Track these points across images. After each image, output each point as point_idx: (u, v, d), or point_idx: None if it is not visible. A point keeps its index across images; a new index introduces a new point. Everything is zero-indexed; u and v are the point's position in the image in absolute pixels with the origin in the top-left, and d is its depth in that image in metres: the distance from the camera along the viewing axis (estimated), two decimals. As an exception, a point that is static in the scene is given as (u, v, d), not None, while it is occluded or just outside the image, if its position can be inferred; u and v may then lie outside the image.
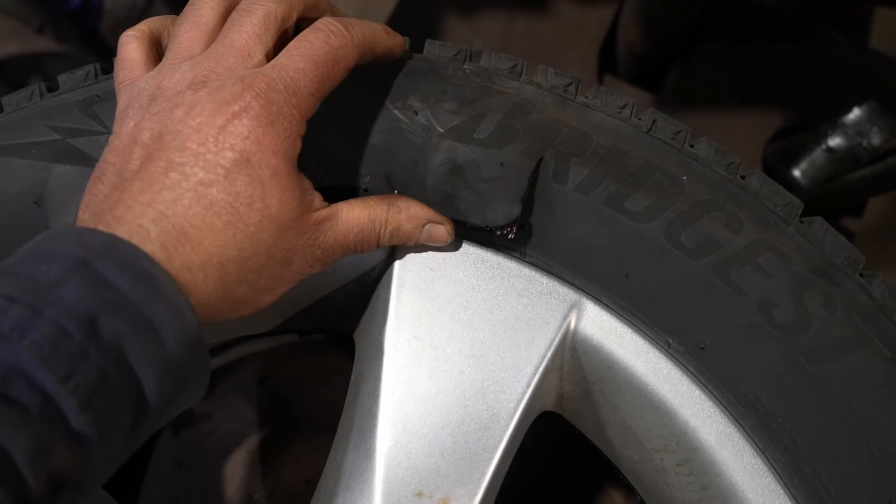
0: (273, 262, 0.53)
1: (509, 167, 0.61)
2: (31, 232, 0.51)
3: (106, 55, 1.52)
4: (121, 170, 0.52)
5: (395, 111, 0.62)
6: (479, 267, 0.62)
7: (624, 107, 0.63)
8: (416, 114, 0.61)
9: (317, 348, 0.93)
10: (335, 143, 0.62)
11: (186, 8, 0.58)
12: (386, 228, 0.58)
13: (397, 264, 0.62)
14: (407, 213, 0.59)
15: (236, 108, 0.51)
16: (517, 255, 0.62)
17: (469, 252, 0.62)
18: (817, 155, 1.01)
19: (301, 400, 0.91)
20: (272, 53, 0.55)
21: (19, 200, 0.61)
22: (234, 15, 0.56)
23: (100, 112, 0.63)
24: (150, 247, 0.48)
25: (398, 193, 0.61)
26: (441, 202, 0.61)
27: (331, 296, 0.66)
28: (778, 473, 0.58)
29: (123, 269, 0.45)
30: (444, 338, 0.60)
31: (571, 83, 0.64)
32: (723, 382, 0.59)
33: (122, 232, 0.48)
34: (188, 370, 0.48)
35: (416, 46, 0.65)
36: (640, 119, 0.63)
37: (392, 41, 0.60)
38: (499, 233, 0.61)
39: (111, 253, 0.46)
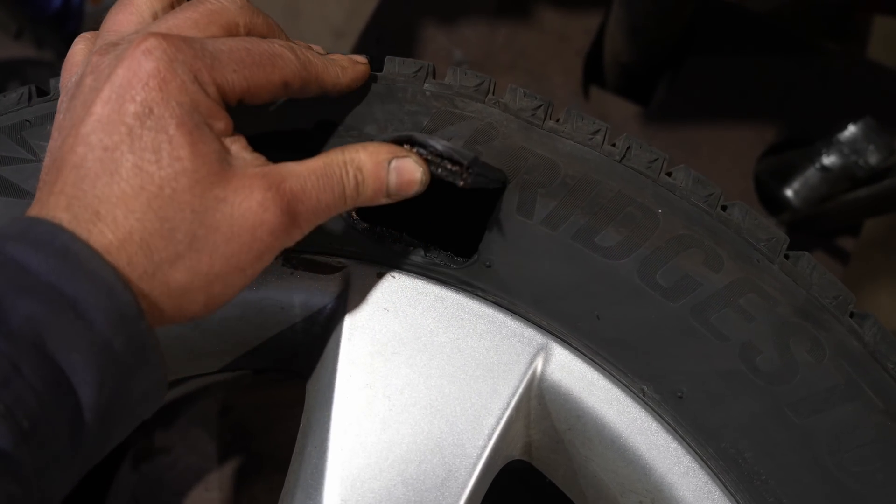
0: (212, 232, 0.45)
1: (470, 197, 0.56)
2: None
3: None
4: (47, 167, 0.47)
5: (350, 140, 0.57)
6: (438, 307, 0.57)
7: (595, 133, 0.58)
8: (370, 142, 0.56)
9: (280, 379, 0.89)
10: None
11: None
12: (347, 171, 0.50)
13: (350, 303, 0.57)
14: (366, 150, 0.51)
15: (138, 52, 0.45)
16: (480, 294, 0.57)
17: (427, 291, 0.57)
18: (811, 174, 0.96)
19: (263, 434, 0.87)
20: None
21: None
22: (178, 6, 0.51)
23: (29, 138, 0.59)
24: None
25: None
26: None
27: (280, 336, 0.61)
28: (761, 534, 0.53)
29: (38, 249, 0.40)
30: (398, 386, 0.56)
31: (540, 106, 0.59)
32: (702, 434, 0.55)
33: None
34: (130, 355, 0.41)
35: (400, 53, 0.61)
36: (613, 146, 0.59)
37: (349, 78, 0.55)
38: (454, 266, 0.57)
39: (26, 234, 0.41)
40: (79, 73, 0.49)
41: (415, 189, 0.53)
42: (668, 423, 0.55)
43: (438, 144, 0.53)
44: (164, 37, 0.46)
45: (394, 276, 0.58)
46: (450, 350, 0.56)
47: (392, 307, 0.57)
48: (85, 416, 0.40)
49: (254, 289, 0.59)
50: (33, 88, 0.61)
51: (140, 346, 0.42)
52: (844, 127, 0.94)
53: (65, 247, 0.40)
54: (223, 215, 0.45)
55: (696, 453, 0.55)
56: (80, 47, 0.53)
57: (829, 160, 0.95)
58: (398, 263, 0.58)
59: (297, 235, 0.49)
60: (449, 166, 0.53)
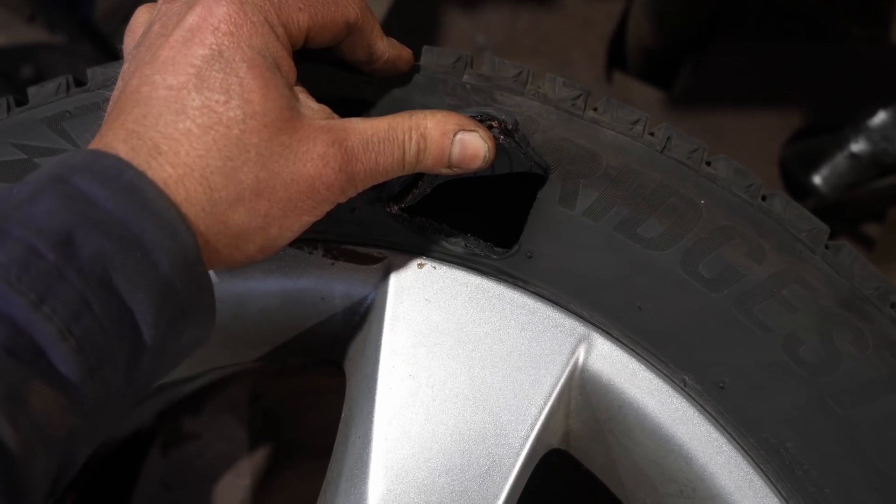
0: (273, 177, 0.45)
1: (511, 188, 0.56)
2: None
3: (100, 44, 1.47)
4: (108, 111, 0.47)
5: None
6: (480, 298, 0.57)
7: (636, 122, 0.58)
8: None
9: (309, 366, 0.89)
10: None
11: None
12: (411, 136, 0.50)
13: (391, 294, 0.57)
14: (434, 119, 0.51)
15: (208, 2, 0.45)
16: (521, 284, 0.57)
17: (469, 282, 0.57)
18: (839, 161, 0.96)
19: (293, 421, 0.87)
20: None
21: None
22: None
23: (70, 129, 0.59)
24: None
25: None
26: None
27: (320, 326, 0.61)
28: (803, 524, 0.54)
29: (105, 184, 0.40)
30: (441, 376, 0.56)
31: (580, 95, 0.59)
32: (744, 425, 0.55)
33: None
34: (187, 297, 0.42)
35: (415, 43, 0.60)
36: (653, 135, 0.58)
37: (395, 51, 0.55)
38: (495, 257, 0.57)
39: (91, 167, 0.40)
40: (147, 22, 0.49)
41: (477, 164, 0.52)
42: (710, 414, 0.55)
43: (479, 113, 0.54)
44: None
45: (434, 267, 0.58)
46: (491, 341, 0.56)
47: (433, 298, 0.57)
48: (142, 355, 0.40)
49: (294, 279, 0.59)
50: (71, 78, 0.61)
51: (197, 289, 0.42)
52: (874, 113, 0.94)
53: (132, 183, 0.40)
54: (286, 162, 0.45)
55: (738, 443, 0.55)
56: (143, 10, 0.53)
57: (857, 147, 0.94)
58: (439, 254, 0.58)
59: (352, 192, 0.49)
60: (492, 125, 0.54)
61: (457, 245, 0.58)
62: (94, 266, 0.38)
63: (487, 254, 0.58)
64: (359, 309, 0.60)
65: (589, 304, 0.57)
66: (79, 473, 0.89)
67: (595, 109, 0.59)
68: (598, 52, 1.16)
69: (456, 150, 0.52)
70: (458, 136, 0.52)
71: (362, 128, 0.49)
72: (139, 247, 0.39)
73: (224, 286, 0.59)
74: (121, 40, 0.53)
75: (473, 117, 0.54)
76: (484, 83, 0.59)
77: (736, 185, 0.58)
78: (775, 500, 0.54)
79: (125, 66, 0.49)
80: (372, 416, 0.55)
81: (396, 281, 0.58)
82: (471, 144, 0.52)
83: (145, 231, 0.39)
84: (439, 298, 0.57)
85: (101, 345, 0.37)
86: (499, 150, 0.54)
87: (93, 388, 0.37)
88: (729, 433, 0.55)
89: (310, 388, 0.89)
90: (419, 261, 0.58)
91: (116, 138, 0.43)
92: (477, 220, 0.59)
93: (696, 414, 0.56)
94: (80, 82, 0.61)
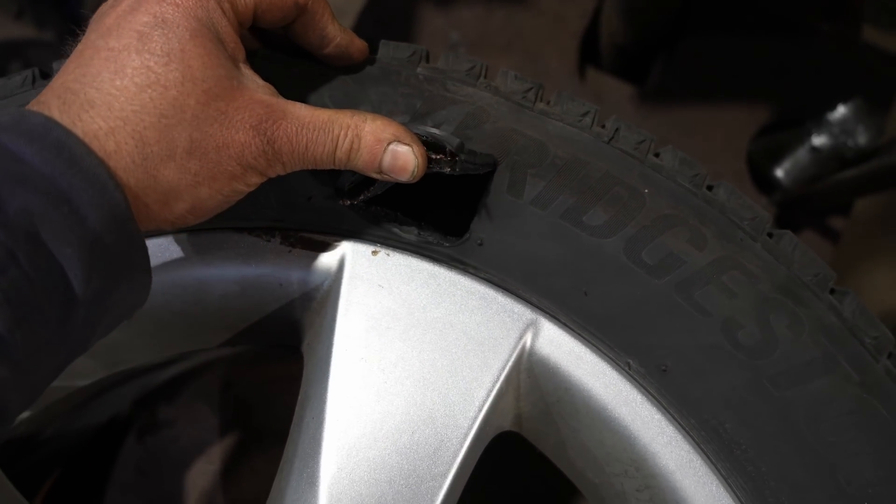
0: (206, 138, 0.46)
1: (462, 179, 0.58)
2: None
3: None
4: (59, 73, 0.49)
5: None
6: (432, 284, 0.59)
7: (585, 114, 0.60)
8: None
9: (281, 355, 0.91)
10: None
11: None
12: (346, 134, 0.51)
13: (346, 280, 0.59)
14: (373, 125, 0.52)
15: None
16: (472, 271, 0.59)
17: (422, 268, 0.59)
18: (801, 154, 0.98)
19: (264, 408, 0.89)
20: None
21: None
22: None
23: (34, 120, 0.60)
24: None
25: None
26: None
27: (279, 312, 0.63)
28: (741, 502, 0.56)
29: (32, 141, 0.41)
30: (393, 359, 0.58)
31: (531, 88, 0.61)
32: (685, 406, 0.57)
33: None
34: (118, 253, 0.42)
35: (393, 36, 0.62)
36: (602, 127, 0.60)
37: (347, 39, 0.57)
38: (447, 244, 0.58)
39: (18, 124, 0.41)
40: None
41: (405, 177, 0.54)
42: (653, 396, 0.57)
43: (424, 133, 0.55)
44: None
45: (388, 254, 0.60)
46: (442, 325, 0.58)
47: (386, 284, 0.59)
48: (73, 308, 0.41)
49: (253, 266, 0.61)
50: (37, 71, 0.63)
51: (128, 246, 0.43)
52: (834, 107, 0.96)
53: (59, 141, 0.41)
54: (220, 126, 0.47)
55: (679, 424, 0.57)
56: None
57: (818, 140, 0.96)
58: (393, 242, 0.60)
59: (280, 171, 0.51)
60: (434, 156, 0.55)
61: (410, 233, 0.60)
62: (19, 220, 0.39)
63: (440, 241, 0.59)
64: (315, 295, 0.61)
65: (537, 290, 0.59)
66: (55, 459, 0.91)
67: (547, 102, 0.61)
68: (571, 48, 1.17)
69: (387, 159, 0.53)
70: (392, 147, 0.53)
71: (301, 113, 0.50)
72: (66, 202, 0.40)
73: (185, 272, 0.60)
74: None
75: (417, 135, 0.55)
76: (437, 75, 0.60)
77: (681, 175, 0.59)
78: (715, 479, 0.56)
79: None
80: (325, 398, 0.57)
81: (351, 268, 0.59)
82: (402, 157, 0.53)
83: (73, 187, 0.40)
84: (392, 284, 0.59)
85: (28, 297, 0.38)
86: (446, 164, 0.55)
87: (21, 339, 0.38)
88: (671, 414, 0.57)
89: (281, 376, 0.90)
90: (373, 248, 0.60)
91: (52, 95, 0.44)
92: (429, 209, 0.61)
93: (640, 396, 0.58)
94: (45, 74, 0.63)
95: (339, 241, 0.60)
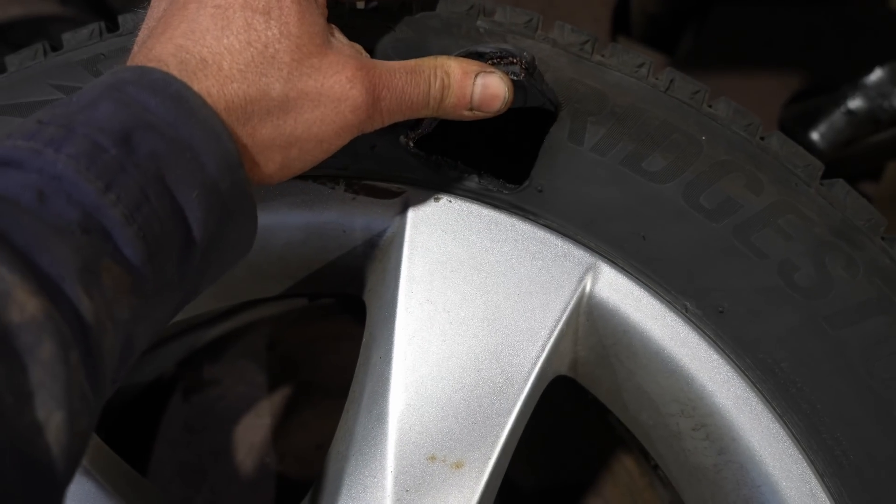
0: (301, 96, 0.48)
1: (523, 125, 0.59)
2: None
3: (111, 17, 1.50)
4: (154, 16, 0.51)
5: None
6: (493, 229, 0.61)
7: (641, 66, 0.62)
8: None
9: (325, 313, 0.93)
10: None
11: None
12: (436, 73, 0.53)
13: (409, 226, 0.61)
14: (456, 61, 0.54)
15: None
16: (532, 217, 0.61)
17: (482, 214, 0.61)
18: (836, 117, 0.99)
19: (310, 365, 0.91)
20: None
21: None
22: None
23: (105, 70, 0.62)
24: None
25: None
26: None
27: (341, 259, 0.65)
28: (796, 438, 0.57)
29: (155, 93, 0.43)
30: (457, 301, 0.59)
31: (588, 41, 0.62)
32: (741, 346, 0.58)
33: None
34: (232, 200, 0.45)
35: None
36: (657, 78, 0.62)
37: None
38: (507, 191, 0.60)
39: (141, 79, 0.44)
40: None
41: (497, 106, 0.55)
42: (709, 337, 0.59)
43: (496, 49, 0.57)
44: None
45: (450, 201, 0.61)
46: (504, 269, 0.60)
47: (449, 229, 0.61)
48: (191, 250, 0.43)
49: (318, 213, 0.62)
50: (103, 24, 0.64)
51: (240, 193, 0.45)
52: (871, 70, 0.97)
53: (179, 93, 0.43)
54: (315, 82, 0.48)
55: (735, 364, 0.58)
56: None
57: (854, 103, 0.97)
58: (454, 189, 0.61)
59: (378, 122, 0.52)
60: (511, 64, 0.56)
61: (471, 181, 0.61)
62: (149, 163, 0.41)
63: (500, 189, 0.61)
64: (379, 241, 0.63)
65: (596, 235, 0.60)
66: (104, 416, 0.93)
67: (602, 54, 0.63)
68: (604, 17, 1.19)
69: (478, 91, 0.55)
70: (480, 79, 0.55)
71: (390, 63, 0.52)
72: (188, 149, 0.42)
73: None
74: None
75: (492, 53, 0.57)
76: (496, 28, 0.62)
77: (735, 124, 0.61)
78: (770, 416, 0.58)
79: None
80: (392, 338, 0.59)
81: (414, 214, 0.61)
82: (492, 85, 0.55)
83: (193, 136, 0.43)
84: (455, 230, 0.61)
85: (157, 234, 0.41)
86: (517, 85, 0.57)
87: (152, 273, 0.41)
88: (727, 354, 0.59)
89: (326, 335, 0.92)
90: (436, 195, 0.61)
91: (165, 51, 0.46)
92: (490, 156, 0.62)
93: (697, 337, 0.59)
94: (111, 28, 0.65)
95: (403, 188, 0.62)
